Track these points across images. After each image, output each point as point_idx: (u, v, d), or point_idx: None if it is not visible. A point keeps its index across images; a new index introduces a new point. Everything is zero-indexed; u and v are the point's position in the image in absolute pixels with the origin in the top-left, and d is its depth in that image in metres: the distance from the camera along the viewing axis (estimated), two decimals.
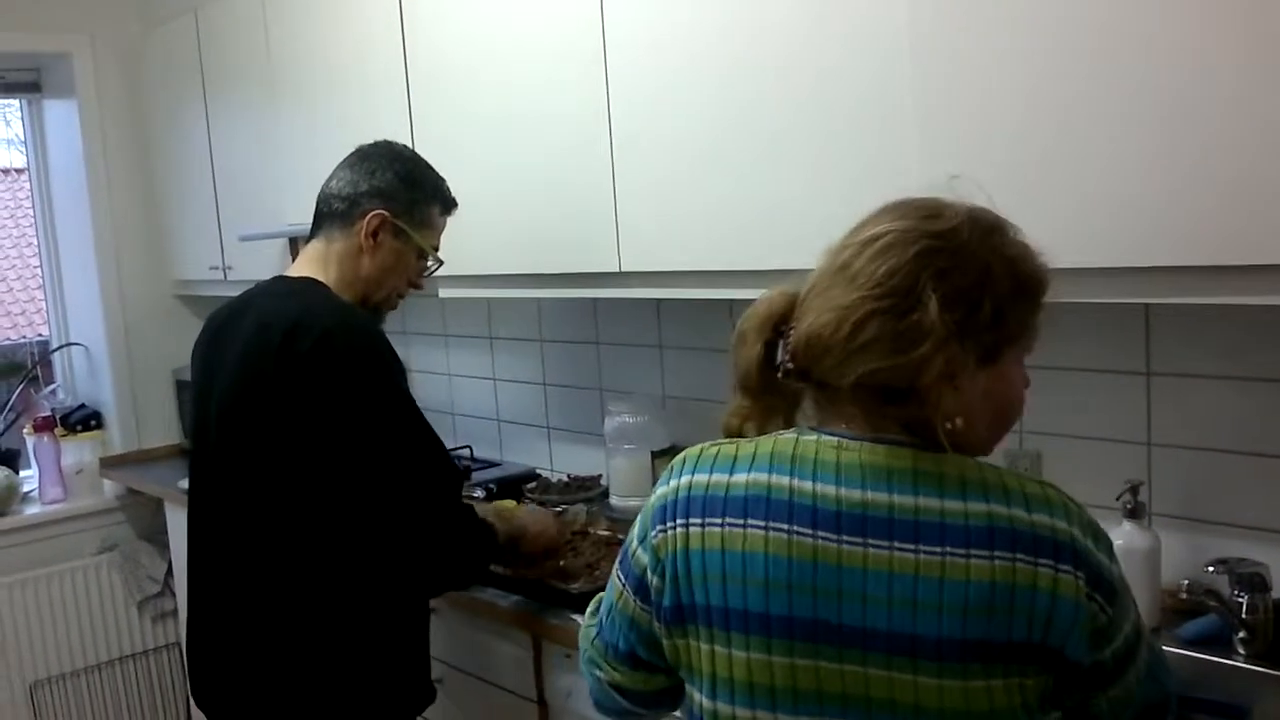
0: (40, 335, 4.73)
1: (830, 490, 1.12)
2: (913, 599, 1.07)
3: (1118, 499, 1.90)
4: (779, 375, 1.20)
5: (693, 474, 1.22)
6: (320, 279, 2.02)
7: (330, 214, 2.08)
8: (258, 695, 1.96)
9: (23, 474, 4.08)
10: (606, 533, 2.62)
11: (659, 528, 1.22)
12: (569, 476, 3.08)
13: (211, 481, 2.03)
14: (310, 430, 1.82)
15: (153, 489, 3.88)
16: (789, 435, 1.19)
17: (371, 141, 2.16)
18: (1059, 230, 1.62)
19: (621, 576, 1.29)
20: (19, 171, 10.89)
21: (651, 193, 2.24)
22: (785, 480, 1.14)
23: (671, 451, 2.80)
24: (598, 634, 1.36)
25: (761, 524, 1.14)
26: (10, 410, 4.17)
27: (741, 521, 1.15)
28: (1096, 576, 1.08)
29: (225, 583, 2.00)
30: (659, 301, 2.70)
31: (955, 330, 1.09)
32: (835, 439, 1.15)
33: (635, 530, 1.28)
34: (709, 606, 1.17)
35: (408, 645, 2.04)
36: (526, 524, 2.26)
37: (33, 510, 3.97)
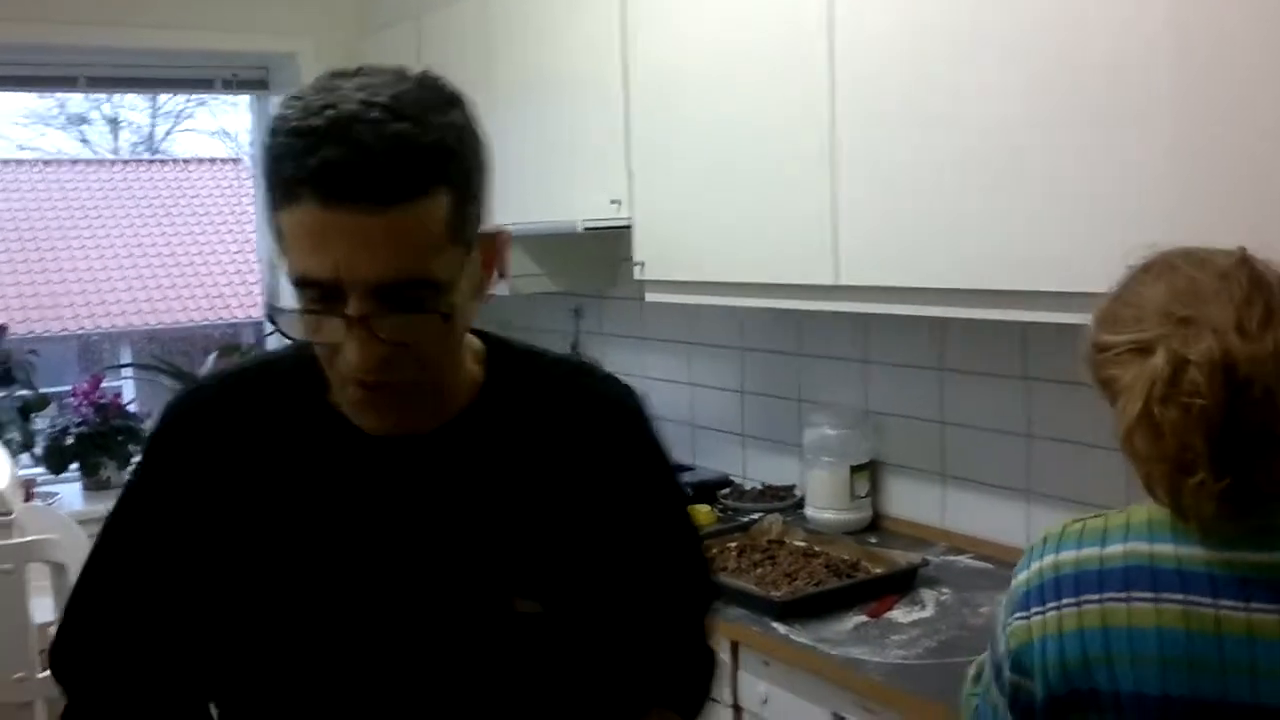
0: (249, 317, 5.00)
1: (1229, 554, 1.05)
2: None
3: None
4: None
5: (1057, 553, 1.13)
6: None
7: None
8: None
9: None
10: (802, 544, 2.63)
11: (1019, 615, 1.14)
12: (762, 485, 3.10)
13: None
14: None
15: None
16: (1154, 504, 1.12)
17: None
18: None
19: (992, 660, 1.21)
20: (229, 162, 11.58)
21: (874, 205, 2.23)
22: (1169, 548, 1.07)
23: (871, 467, 2.80)
24: (975, 713, 1.26)
25: (1149, 595, 1.06)
26: None
27: (1124, 595, 1.07)
28: None
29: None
30: (868, 315, 2.69)
31: None
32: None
33: (1000, 613, 1.20)
34: (1096, 692, 1.08)
35: None
36: None
37: None
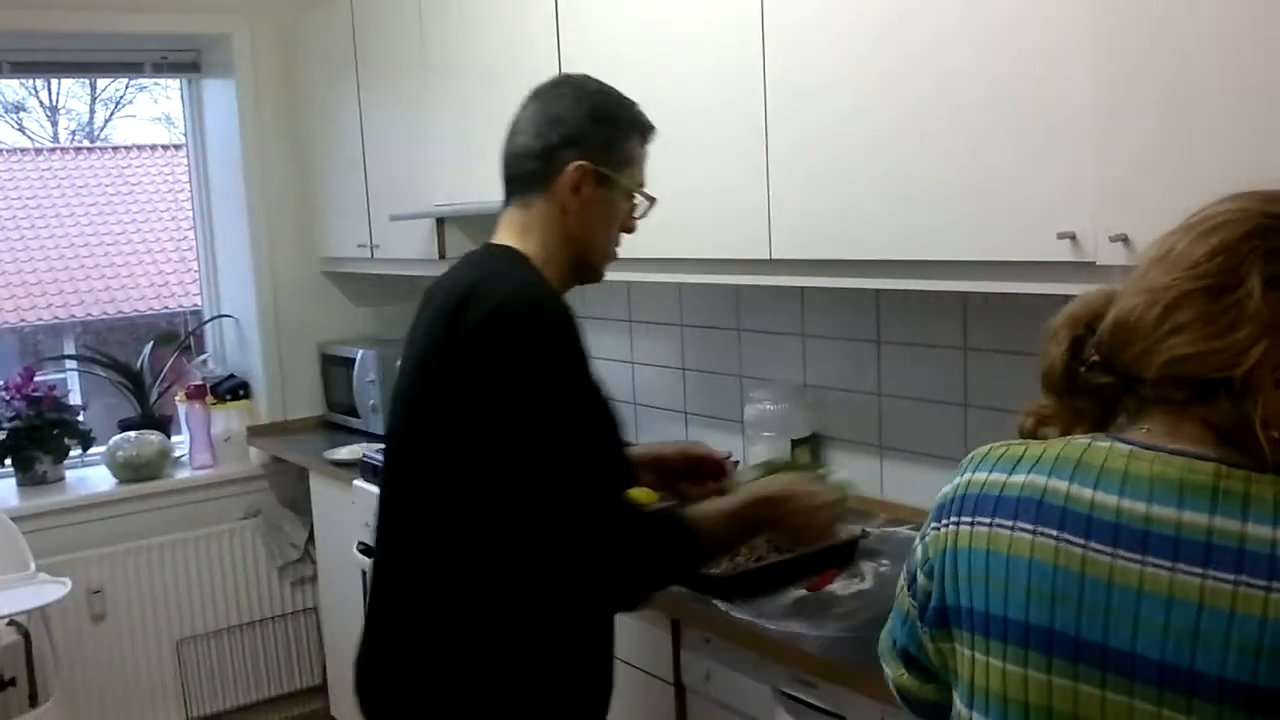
0: (194, 306, 4.91)
1: (1111, 500, 1.04)
2: (1194, 630, 0.96)
3: None
4: (1084, 369, 1.12)
5: (974, 471, 1.16)
6: (519, 247, 1.81)
7: (522, 176, 1.84)
8: (417, 703, 1.78)
9: (174, 439, 4.25)
10: None
11: (934, 524, 1.18)
12: None
13: (394, 464, 1.86)
14: (474, 415, 1.65)
15: (297, 458, 4.01)
16: (1082, 440, 1.10)
17: (548, 81, 1.90)
18: None
19: (906, 570, 1.25)
20: (170, 148, 11.39)
21: (806, 179, 2.22)
22: (1063, 485, 1.07)
23: (811, 440, 2.79)
24: (887, 628, 1.32)
25: (1030, 527, 1.07)
26: (164, 378, 4.35)
27: (1010, 523, 1.09)
28: None
29: (398, 571, 1.85)
30: (803, 289, 2.68)
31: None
32: (1129, 447, 1.05)
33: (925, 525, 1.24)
34: (971, 610, 1.12)
35: (579, 661, 1.83)
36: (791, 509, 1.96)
37: (183, 474, 4.14)
